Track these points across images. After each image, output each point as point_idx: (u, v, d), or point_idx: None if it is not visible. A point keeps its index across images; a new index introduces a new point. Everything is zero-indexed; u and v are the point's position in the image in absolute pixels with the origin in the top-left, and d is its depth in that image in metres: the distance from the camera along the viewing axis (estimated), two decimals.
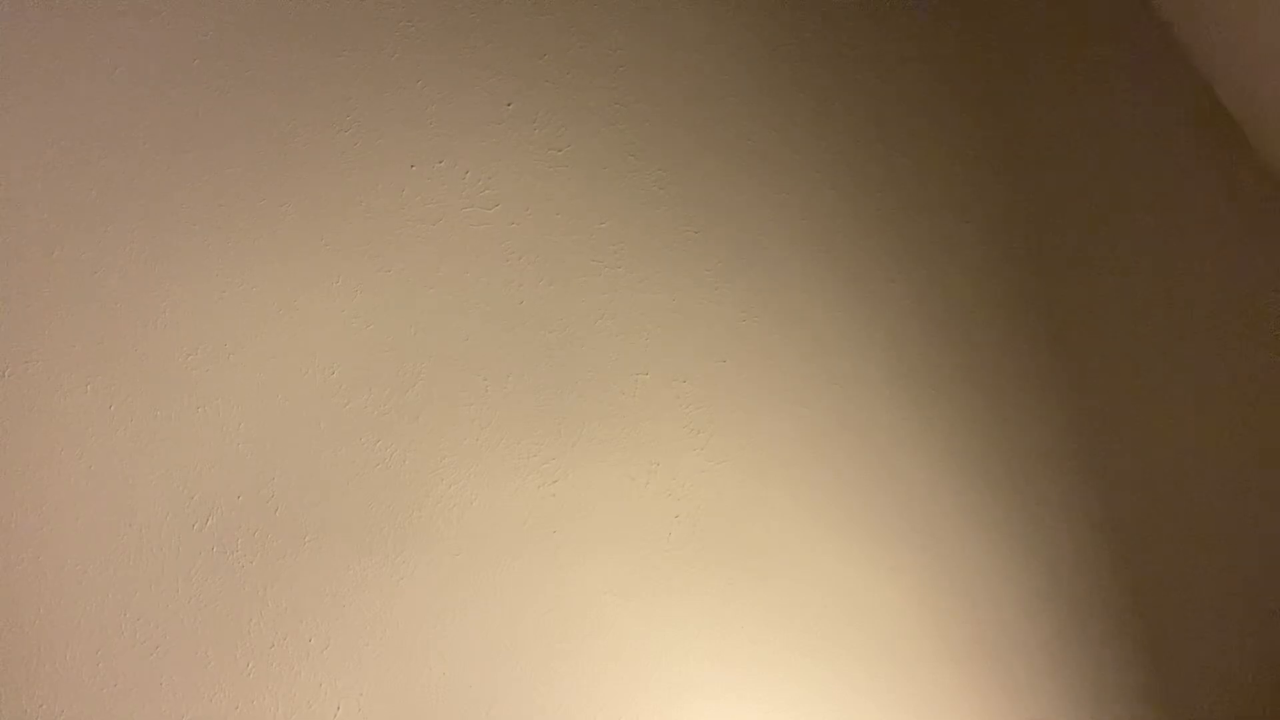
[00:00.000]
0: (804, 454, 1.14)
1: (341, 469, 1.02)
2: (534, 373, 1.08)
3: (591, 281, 1.11)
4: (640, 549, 1.08)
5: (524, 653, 1.03)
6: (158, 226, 1.00)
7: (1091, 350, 1.25)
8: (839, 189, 1.20)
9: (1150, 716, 1.19)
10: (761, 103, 1.19)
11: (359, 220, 1.06)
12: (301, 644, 0.98)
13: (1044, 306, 1.24)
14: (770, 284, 1.16)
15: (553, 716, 1.03)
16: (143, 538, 0.96)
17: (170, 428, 0.98)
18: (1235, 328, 1.29)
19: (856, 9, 1.24)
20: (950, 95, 1.25)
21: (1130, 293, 1.27)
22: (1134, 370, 1.25)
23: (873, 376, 1.17)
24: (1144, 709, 1.19)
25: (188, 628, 0.96)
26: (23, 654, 0.92)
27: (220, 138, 1.03)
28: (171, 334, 0.99)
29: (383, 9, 1.09)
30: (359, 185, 1.06)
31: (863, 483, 1.16)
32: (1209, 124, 1.32)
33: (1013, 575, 1.18)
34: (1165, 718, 1.19)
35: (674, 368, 1.12)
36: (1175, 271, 1.28)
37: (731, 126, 1.18)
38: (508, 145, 1.11)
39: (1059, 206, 1.27)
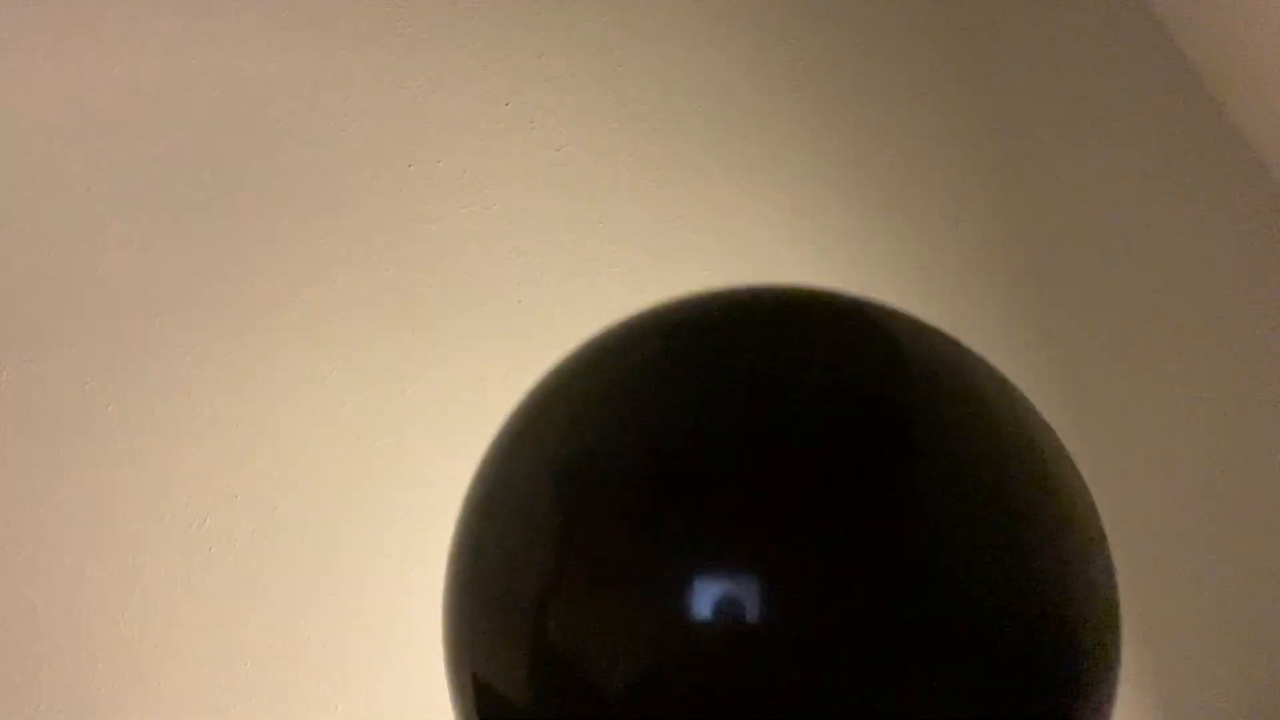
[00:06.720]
0: None
1: (340, 467, 1.01)
2: (533, 372, 1.08)
3: (589, 281, 1.11)
4: None
5: None
6: (153, 226, 1.00)
7: (1090, 350, 1.25)
8: (839, 189, 1.20)
9: (1150, 716, 1.19)
10: (761, 102, 1.19)
11: (357, 220, 1.06)
12: (300, 643, 0.97)
13: (1044, 307, 1.24)
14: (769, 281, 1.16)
15: None
16: (140, 538, 0.96)
17: (167, 427, 0.98)
18: (1236, 328, 1.29)
19: (858, 7, 1.24)
20: (953, 97, 1.26)
21: (1130, 292, 1.27)
22: (1133, 370, 1.26)
23: None
24: (1144, 708, 1.19)
25: (185, 628, 0.95)
26: (19, 655, 0.91)
27: (216, 136, 1.03)
28: (169, 334, 0.99)
29: (380, 8, 1.09)
30: (357, 185, 1.06)
31: None
32: (1212, 127, 1.33)
33: None
34: (1165, 717, 1.19)
35: None
36: (1175, 272, 1.29)
37: (730, 126, 1.18)
38: (506, 145, 1.11)
39: (1061, 208, 1.27)
